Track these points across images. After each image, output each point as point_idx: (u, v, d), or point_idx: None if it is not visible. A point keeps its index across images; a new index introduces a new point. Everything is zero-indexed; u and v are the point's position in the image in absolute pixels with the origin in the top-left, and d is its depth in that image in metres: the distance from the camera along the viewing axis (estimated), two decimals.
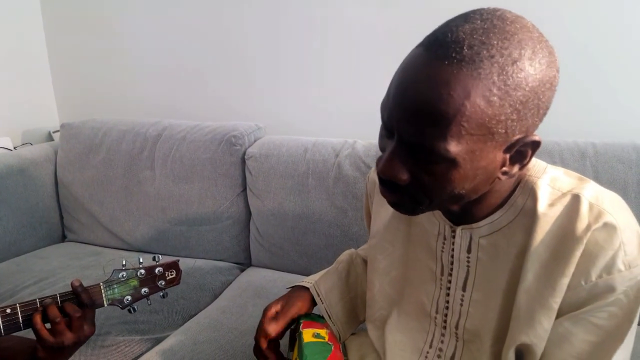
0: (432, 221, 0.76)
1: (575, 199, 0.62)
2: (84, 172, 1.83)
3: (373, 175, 0.90)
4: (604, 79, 1.39)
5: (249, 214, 1.67)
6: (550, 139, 1.28)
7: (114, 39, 2.04)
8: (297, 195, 1.53)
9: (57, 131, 2.02)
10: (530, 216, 0.65)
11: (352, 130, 1.67)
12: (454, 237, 0.73)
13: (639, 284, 0.60)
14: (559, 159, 1.27)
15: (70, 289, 0.86)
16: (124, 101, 2.11)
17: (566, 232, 0.61)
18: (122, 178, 1.77)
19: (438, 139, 0.54)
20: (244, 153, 1.63)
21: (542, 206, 0.64)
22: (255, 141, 1.67)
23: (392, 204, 0.66)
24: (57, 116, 2.27)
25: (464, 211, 0.69)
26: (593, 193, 0.63)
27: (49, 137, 2.22)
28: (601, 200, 0.62)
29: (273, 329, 0.85)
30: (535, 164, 0.68)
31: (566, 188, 0.65)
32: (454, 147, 0.54)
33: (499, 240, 0.68)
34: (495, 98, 0.52)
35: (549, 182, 0.66)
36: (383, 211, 0.85)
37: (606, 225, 0.59)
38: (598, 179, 1.20)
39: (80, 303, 0.84)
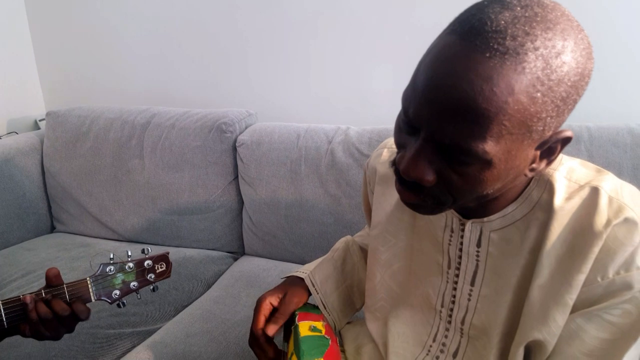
0: None
1: (594, 192, 0.59)
2: (71, 161, 1.79)
3: (373, 163, 0.86)
4: (598, 63, 1.37)
5: (241, 202, 1.65)
6: None
7: (101, 25, 1.98)
8: (290, 182, 1.51)
9: (43, 119, 1.97)
10: (546, 210, 0.62)
11: (345, 116, 1.65)
12: (462, 230, 0.70)
13: None
14: None
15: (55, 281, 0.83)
16: (111, 88, 2.07)
17: (584, 227, 0.59)
18: (110, 167, 1.73)
19: (476, 139, 0.49)
20: (235, 140, 1.60)
21: (558, 200, 0.61)
22: (246, 128, 1.64)
23: (411, 205, 0.62)
24: (43, 104, 2.22)
25: (479, 206, 0.66)
26: (612, 186, 0.60)
27: (35, 126, 2.18)
28: (621, 194, 0.59)
29: (272, 329, 0.82)
30: None
31: (584, 180, 0.62)
32: (492, 148, 0.50)
33: (512, 234, 0.66)
34: (538, 94, 0.48)
35: (566, 174, 0.63)
36: (385, 201, 0.82)
37: (627, 220, 0.57)
38: (593, 163, 1.19)
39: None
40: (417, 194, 0.59)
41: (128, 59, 1.99)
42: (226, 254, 1.68)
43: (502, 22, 0.48)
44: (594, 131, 1.24)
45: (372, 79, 1.63)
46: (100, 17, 1.97)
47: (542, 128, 0.51)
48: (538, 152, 0.55)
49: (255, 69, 1.79)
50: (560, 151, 0.56)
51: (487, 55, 0.47)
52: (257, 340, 0.83)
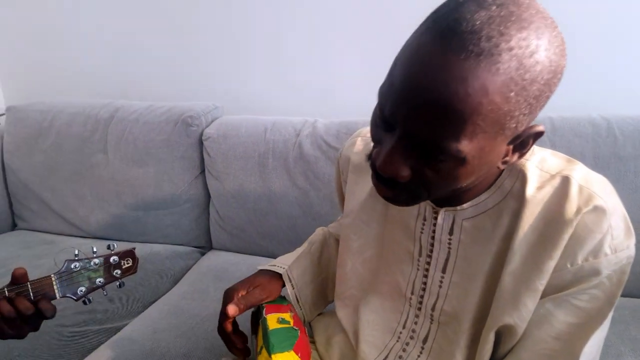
0: None
1: (565, 181, 0.61)
2: (32, 157, 1.75)
3: (346, 152, 0.87)
4: None
5: (208, 196, 1.63)
6: None
7: (61, 17, 1.91)
8: (258, 176, 1.51)
9: (3, 115, 1.91)
10: (518, 199, 0.64)
11: (312, 109, 1.65)
12: (435, 218, 0.71)
13: (622, 268, 0.60)
14: None
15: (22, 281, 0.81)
16: (73, 82, 2.00)
17: (555, 215, 0.60)
18: (73, 163, 1.69)
19: (450, 138, 0.50)
20: (201, 134, 1.58)
21: (530, 189, 0.63)
22: (212, 121, 1.63)
23: (387, 198, 0.63)
24: (3, 99, 2.15)
25: (452, 195, 0.67)
26: (582, 175, 0.62)
27: None
28: (590, 183, 0.61)
29: (232, 309, 0.80)
30: None
31: (555, 170, 0.64)
32: (465, 147, 0.51)
33: (484, 222, 0.67)
34: (512, 94, 0.49)
35: (537, 164, 0.65)
36: (358, 190, 0.83)
37: (596, 208, 0.58)
38: None
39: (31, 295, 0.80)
40: (393, 189, 0.60)
41: (90, 52, 1.93)
42: (193, 248, 1.66)
43: (478, 22, 0.48)
44: (557, 122, 1.27)
45: (339, 71, 1.63)
46: (60, 9, 1.90)
47: (514, 125, 0.52)
48: (511, 147, 0.57)
49: (220, 61, 1.77)
50: (532, 145, 0.58)
51: (462, 56, 0.47)
52: (224, 332, 0.82)
